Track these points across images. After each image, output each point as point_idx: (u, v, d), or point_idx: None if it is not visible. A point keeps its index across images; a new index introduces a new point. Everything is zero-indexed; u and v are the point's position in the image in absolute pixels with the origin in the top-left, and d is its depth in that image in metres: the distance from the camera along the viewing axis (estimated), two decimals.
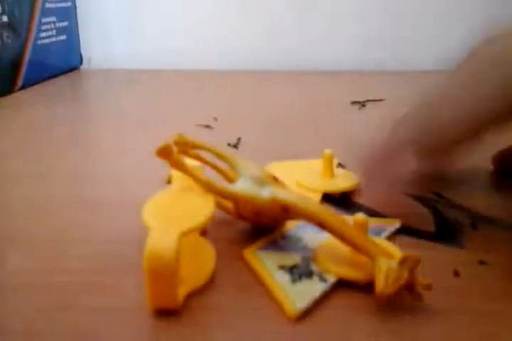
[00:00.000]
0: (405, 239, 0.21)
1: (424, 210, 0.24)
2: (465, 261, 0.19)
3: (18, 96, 0.50)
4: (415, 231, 0.22)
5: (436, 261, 0.19)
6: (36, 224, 0.23)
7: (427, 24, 0.64)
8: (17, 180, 0.28)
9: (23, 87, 0.52)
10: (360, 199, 0.25)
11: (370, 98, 0.46)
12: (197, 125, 0.38)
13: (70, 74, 0.63)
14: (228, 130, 0.37)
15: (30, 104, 0.47)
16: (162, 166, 0.30)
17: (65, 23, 0.61)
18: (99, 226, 0.23)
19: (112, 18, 0.68)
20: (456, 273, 0.19)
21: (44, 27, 0.56)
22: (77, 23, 0.65)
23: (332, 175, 0.26)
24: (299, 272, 0.18)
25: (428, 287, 0.17)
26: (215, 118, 0.40)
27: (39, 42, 0.55)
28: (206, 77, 0.60)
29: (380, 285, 0.16)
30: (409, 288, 0.16)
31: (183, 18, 0.67)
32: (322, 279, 0.18)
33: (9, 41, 0.49)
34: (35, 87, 0.54)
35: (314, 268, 0.18)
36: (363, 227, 0.18)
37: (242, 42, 0.67)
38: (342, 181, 0.26)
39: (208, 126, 0.38)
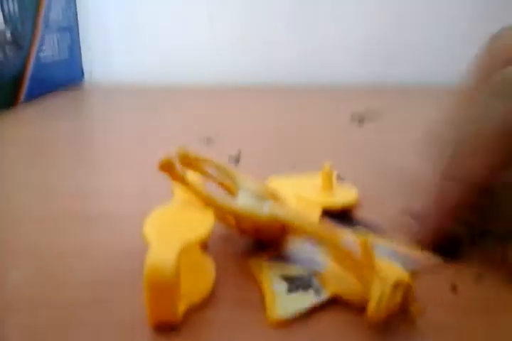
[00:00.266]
0: None
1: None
2: (463, 274, 0.19)
3: (20, 111, 0.50)
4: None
5: (433, 275, 0.20)
6: (38, 238, 0.23)
7: (425, 39, 0.65)
8: (18, 193, 0.28)
9: (25, 102, 0.52)
10: (360, 214, 0.25)
11: (370, 114, 0.47)
12: (198, 139, 0.38)
13: (71, 88, 0.63)
14: (229, 144, 0.37)
15: (31, 118, 0.47)
16: (164, 180, 0.30)
17: (68, 39, 0.62)
18: (101, 241, 0.23)
19: (113, 35, 0.69)
20: (454, 288, 0.19)
21: (46, 42, 0.57)
22: (78, 38, 0.66)
23: (332, 188, 0.26)
24: (298, 283, 0.18)
25: (421, 313, 0.16)
26: (216, 133, 0.40)
27: (41, 57, 0.56)
28: (207, 92, 0.61)
29: (371, 308, 0.16)
30: (402, 311, 0.16)
31: (183, 34, 0.68)
32: (317, 293, 0.18)
33: (12, 56, 0.50)
34: (37, 101, 0.54)
35: (315, 282, 0.18)
36: (366, 247, 0.17)
37: (242, 57, 0.68)
38: (342, 195, 0.26)
39: (208, 140, 0.38)
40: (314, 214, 0.24)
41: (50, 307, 0.18)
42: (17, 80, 0.51)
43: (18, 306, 0.18)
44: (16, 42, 0.51)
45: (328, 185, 0.26)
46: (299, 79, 0.66)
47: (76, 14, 0.64)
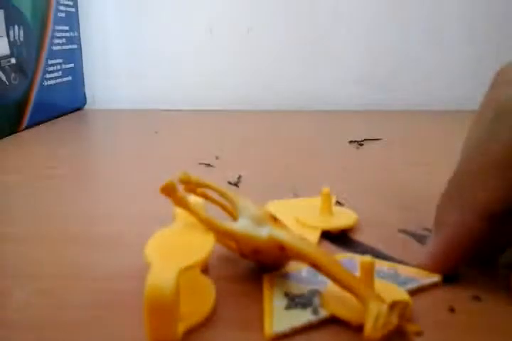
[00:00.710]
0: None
1: (418, 246, 0.24)
2: (460, 296, 0.20)
3: (23, 136, 0.51)
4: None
5: (431, 296, 0.20)
6: (40, 260, 0.23)
7: (425, 64, 0.66)
8: (19, 216, 0.29)
9: (28, 127, 0.53)
10: (358, 237, 0.25)
11: (368, 137, 0.47)
12: (199, 163, 0.39)
13: (74, 114, 0.64)
14: (229, 168, 0.38)
15: (34, 143, 0.48)
16: (164, 204, 0.30)
17: (71, 65, 0.63)
18: (101, 263, 0.23)
19: (114, 60, 0.70)
20: (452, 310, 0.19)
21: (50, 68, 0.58)
22: (81, 63, 0.67)
23: (331, 212, 0.27)
24: (298, 301, 0.19)
25: (418, 333, 0.17)
26: (216, 157, 0.41)
27: (45, 83, 0.56)
28: (206, 117, 0.61)
29: (368, 329, 0.16)
30: (399, 331, 0.16)
31: (183, 59, 0.69)
32: (315, 312, 0.18)
33: (16, 82, 0.51)
34: (40, 126, 0.55)
35: (316, 301, 0.19)
36: (368, 269, 0.18)
37: (242, 82, 0.69)
38: (340, 218, 0.26)
39: (208, 165, 0.39)
40: (313, 237, 0.25)
41: (51, 327, 0.18)
42: (21, 105, 0.52)
43: (20, 326, 0.18)
44: (21, 68, 0.51)
45: (327, 208, 0.26)
46: (298, 104, 0.67)
47: (79, 39, 0.65)
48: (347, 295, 0.18)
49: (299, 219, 0.27)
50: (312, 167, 0.39)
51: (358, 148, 0.45)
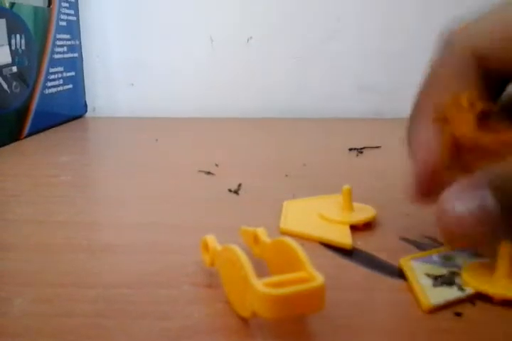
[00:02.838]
0: (400, 281, 0.22)
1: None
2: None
3: (24, 144, 0.51)
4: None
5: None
6: (41, 269, 0.23)
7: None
8: (21, 224, 0.29)
9: (28, 135, 0.53)
10: (359, 244, 0.25)
11: (368, 145, 0.48)
12: (199, 171, 0.39)
13: (74, 122, 0.64)
14: (229, 176, 0.38)
15: (35, 151, 0.48)
16: (164, 212, 0.31)
17: (72, 73, 0.63)
18: (101, 271, 0.23)
19: (115, 69, 0.70)
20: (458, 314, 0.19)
21: (51, 76, 0.58)
22: (82, 71, 0.67)
23: (352, 207, 0.28)
24: (442, 280, 0.21)
25: None
26: (216, 165, 0.41)
27: (46, 91, 0.57)
28: (206, 125, 0.62)
29: None
30: None
31: (183, 68, 0.69)
32: (460, 289, 0.20)
33: (18, 90, 0.51)
34: (41, 134, 0.55)
35: (457, 280, 0.21)
36: None
37: (242, 90, 0.69)
38: (362, 213, 0.28)
39: (209, 173, 0.39)
40: (344, 231, 0.26)
41: (52, 336, 0.18)
42: (22, 114, 0.52)
43: (21, 334, 0.18)
44: (22, 76, 0.52)
45: (348, 204, 0.28)
46: (297, 112, 0.67)
47: (80, 48, 0.66)
48: (485, 273, 0.20)
49: (322, 215, 0.28)
50: (312, 174, 0.39)
51: (357, 155, 0.45)
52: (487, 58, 0.22)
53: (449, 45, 0.23)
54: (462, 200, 0.20)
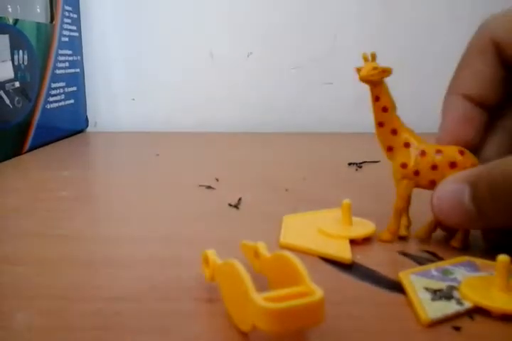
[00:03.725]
0: (399, 296, 0.22)
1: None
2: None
3: (25, 158, 0.51)
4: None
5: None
6: (42, 282, 0.23)
7: (426, 88, 0.67)
8: (22, 238, 0.29)
9: (30, 150, 0.53)
10: (358, 259, 0.26)
11: (367, 159, 0.48)
12: (199, 185, 0.39)
13: (75, 136, 0.65)
14: (229, 190, 0.38)
15: (36, 165, 0.48)
16: (163, 226, 0.31)
17: (74, 88, 0.64)
18: (101, 284, 0.23)
19: (116, 84, 0.71)
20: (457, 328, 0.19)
21: (53, 91, 0.58)
22: (84, 87, 0.68)
23: (351, 222, 0.29)
24: (441, 295, 0.21)
25: None
26: (217, 179, 0.41)
27: (48, 106, 0.57)
28: (207, 139, 0.62)
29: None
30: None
31: (183, 83, 0.70)
32: (459, 303, 0.20)
33: (20, 105, 0.51)
34: (42, 149, 0.55)
35: (455, 294, 0.21)
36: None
37: (243, 105, 0.70)
38: (362, 227, 0.28)
39: (209, 187, 0.39)
40: (344, 246, 0.26)
41: None
42: (24, 128, 0.53)
43: None
44: (25, 91, 0.52)
45: (348, 219, 0.28)
46: (297, 126, 0.68)
47: (82, 63, 0.67)
48: (484, 287, 0.21)
49: (322, 229, 0.28)
50: (312, 189, 0.39)
51: (357, 170, 0.45)
52: (502, 45, 0.26)
53: (478, 30, 0.28)
54: (445, 191, 0.25)
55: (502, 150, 0.27)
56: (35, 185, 0.40)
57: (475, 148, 0.27)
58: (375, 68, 0.27)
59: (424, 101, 0.67)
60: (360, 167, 0.46)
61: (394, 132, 0.27)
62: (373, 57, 0.27)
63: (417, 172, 0.26)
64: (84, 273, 0.24)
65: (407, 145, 0.27)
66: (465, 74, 0.28)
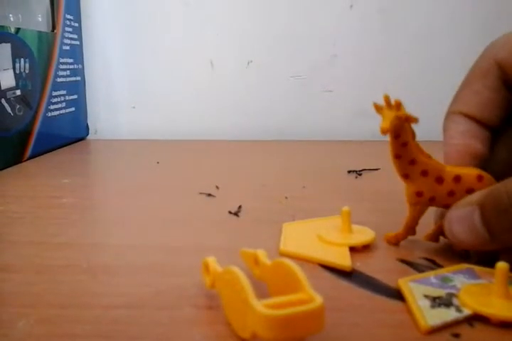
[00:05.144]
0: (399, 303, 0.22)
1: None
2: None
3: (26, 166, 0.51)
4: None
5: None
6: (43, 290, 0.23)
7: (424, 97, 0.67)
8: (22, 246, 0.29)
9: (31, 157, 0.54)
10: (357, 267, 0.26)
11: (366, 167, 0.48)
12: (199, 193, 0.39)
13: (76, 144, 0.65)
14: (229, 198, 0.38)
15: (37, 173, 0.49)
16: (164, 234, 0.31)
17: (74, 96, 0.64)
18: (102, 292, 0.23)
19: (117, 92, 0.71)
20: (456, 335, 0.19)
21: (54, 99, 0.59)
22: (85, 95, 0.68)
23: (351, 229, 0.29)
24: (440, 302, 0.21)
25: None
26: (217, 187, 0.41)
27: (49, 114, 0.57)
28: (207, 147, 0.62)
29: None
30: None
31: (183, 91, 0.70)
32: (458, 310, 0.20)
33: (21, 113, 0.52)
34: (43, 156, 0.55)
35: (455, 301, 0.21)
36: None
37: (243, 113, 0.70)
38: (361, 235, 0.28)
39: (209, 195, 0.39)
40: (343, 253, 0.26)
41: None
42: (24, 136, 0.53)
43: None
44: (26, 99, 0.52)
45: (347, 226, 0.29)
46: (296, 134, 0.68)
47: (83, 71, 0.67)
48: (483, 295, 0.21)
49: (322, 237, 0.28)
50: (312, 196, 0.39)
51: (356, 177, 0.45)
52: (506, 67, 0.27)
53: (483, 52, 0.28)
54: (456, 215, 0.24)
55: (507, 170, 0.27)
56: (36, 193, 0.41)
57: (485, 160, 0.27)
58: (398, 118, 0.24)
59: (424, 110, 0.68)
60: (360, 174, 0.46)
61: (412, 162, 0.26)
62: (398, 105, 0.25)
63: (432, 199, 0.26)
64: (85, 280, 0.24)
65: (424, 173, 0.26)
66: (465, 95, 0.28)
